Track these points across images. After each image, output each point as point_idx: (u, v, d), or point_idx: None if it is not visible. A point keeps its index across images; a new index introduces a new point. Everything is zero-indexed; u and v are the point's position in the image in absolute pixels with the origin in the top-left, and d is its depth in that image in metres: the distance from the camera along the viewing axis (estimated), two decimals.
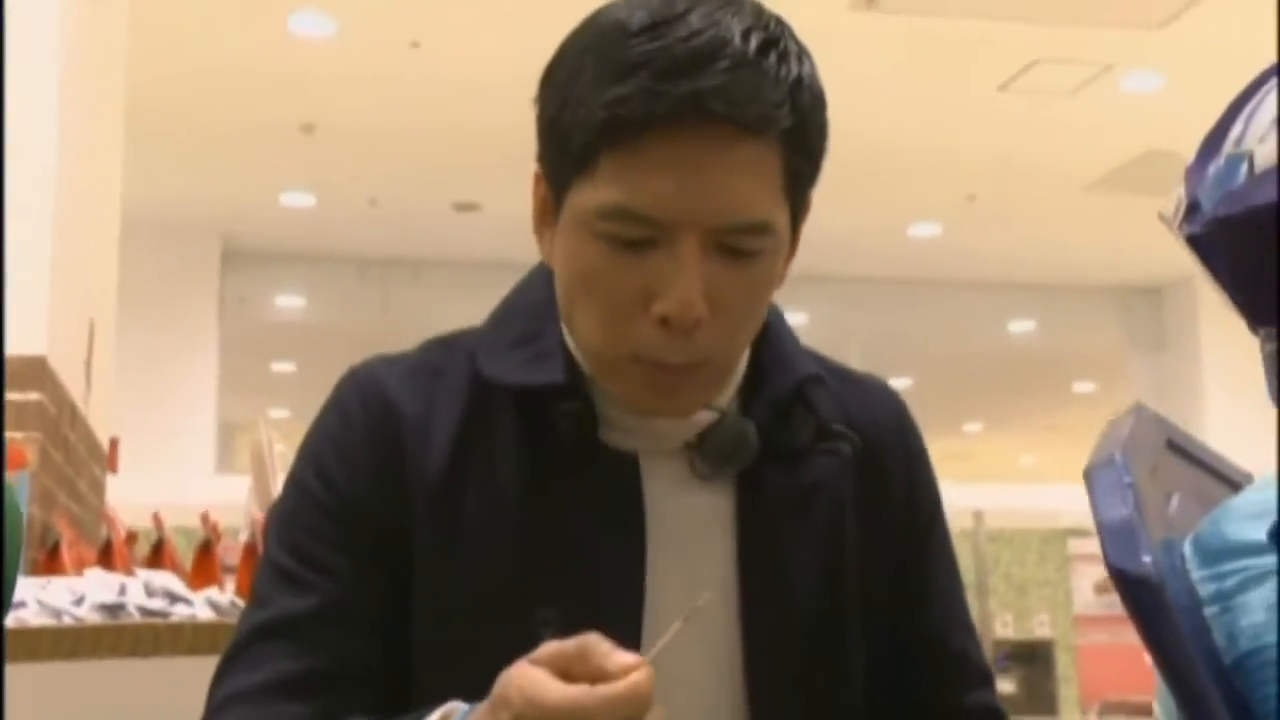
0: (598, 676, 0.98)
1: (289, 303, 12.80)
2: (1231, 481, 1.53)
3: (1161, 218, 1.35)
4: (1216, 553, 1.31)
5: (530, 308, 1.31)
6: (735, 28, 1.16)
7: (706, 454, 1.26)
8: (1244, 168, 1.24)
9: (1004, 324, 13.05)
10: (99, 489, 4.60)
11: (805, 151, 1.19)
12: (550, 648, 1.02)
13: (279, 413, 15.96)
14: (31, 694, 2.06)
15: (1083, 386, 15.38)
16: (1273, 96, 1.28)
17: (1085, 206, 10.27)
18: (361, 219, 10.80)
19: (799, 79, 1.17)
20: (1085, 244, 11.31)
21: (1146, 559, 1.24)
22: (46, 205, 3.73)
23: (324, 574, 1.24)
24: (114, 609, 2.38)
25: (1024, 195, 10.22)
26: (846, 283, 12.64)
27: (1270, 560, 1.28)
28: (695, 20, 1.15)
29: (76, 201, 4.17)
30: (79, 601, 2.39)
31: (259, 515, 3.35)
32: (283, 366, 14.20)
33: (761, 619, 1.26)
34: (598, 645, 1.00)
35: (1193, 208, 1.28)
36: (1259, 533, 1.30)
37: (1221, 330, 11.02)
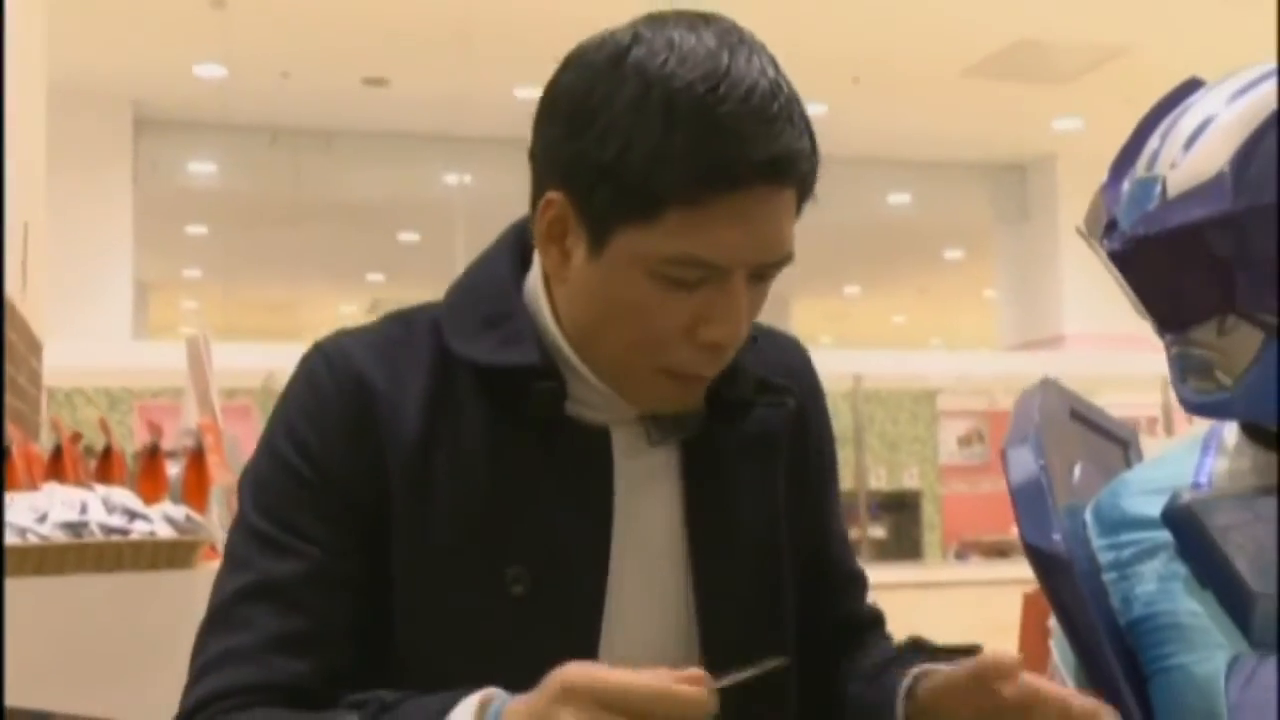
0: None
1: (202, 169, 12.49)
2: (1120, 439, 1.58)
3: (1079, 230, 1.38)
4: (1115, 525, 1.38)
5: (495, 288, 1.30)
6: (768, 73, 1.17)
7: (660, 423, 1.27)
8: (1157, 190, 1.26)
9: (883, 196, 13.15)
10: (37, 380, 4.53)
11: (807, 186, 1.21)
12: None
13: (192, 273, 15.92)
14: None
15: (952, 254, 15.66)
16: (1184, 121, 1.29)
17: (961, 90, 10.35)
18: (273, 91, 10.57)
19: (809, 123, 1.19)
20: (959, 125, 11.39)
21: (1057, 537, 1.30)
22: None
23: (303, 539, 1.23)
24: (76, 527, 2.36)
25: (905, 79, 10.27)
26: None
27: (1162, 535, 1.34)
28: (741, 71, 1.16)
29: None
30: (42, 519, 2.36)
31: (203, 421, 3.34)
32: (196, 229, 13.91)
33: (709, 560, 1.29)
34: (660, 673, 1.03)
35: (1111, 225, 1.31)
36: (1153, 509, 1.35)
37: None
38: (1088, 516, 1.42)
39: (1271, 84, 1.26)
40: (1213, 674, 1.27)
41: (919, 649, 1.33)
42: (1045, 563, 1.32)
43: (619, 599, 1.26)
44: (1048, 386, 1.48)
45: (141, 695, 1.70)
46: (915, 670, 1.23)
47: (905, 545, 12.43)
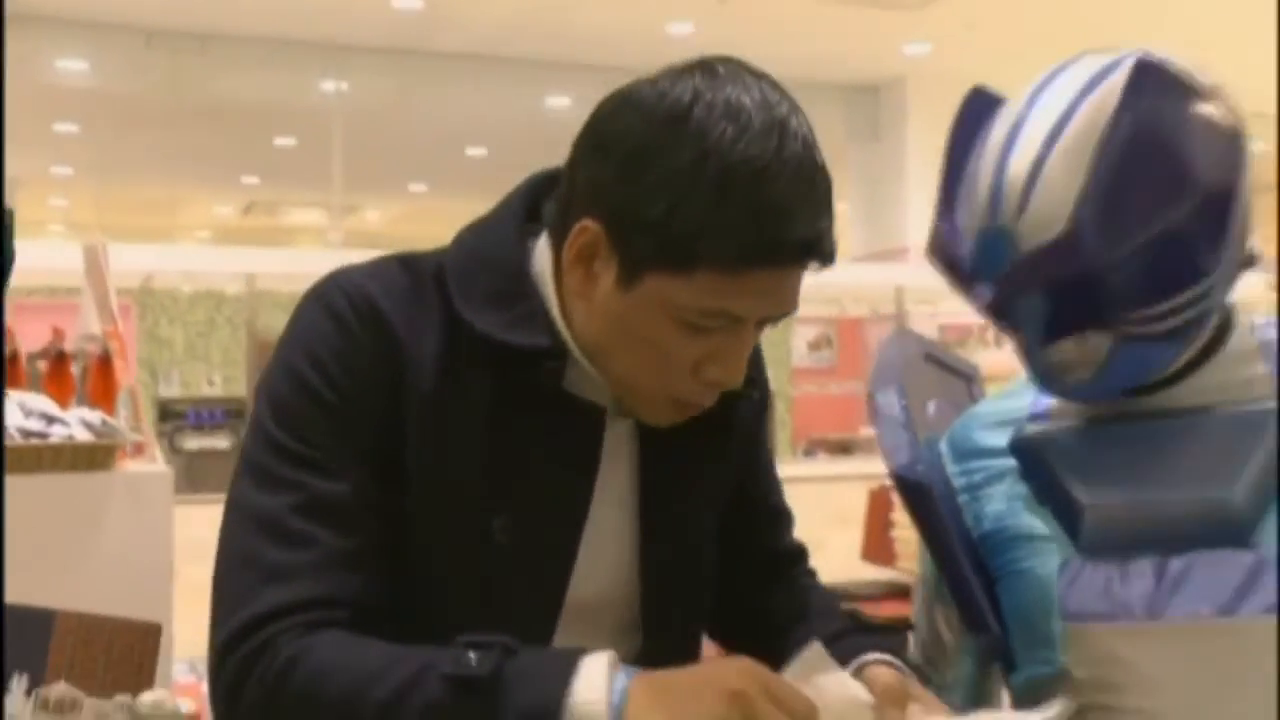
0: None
1: (72, 66, 11.90)
2: (964, 375, 1.68)
3: (927, 258, 1.40)
4: (967, 453, 1.49)
5: (503, 267, 1.31)
6: (810, 144, 1.21)
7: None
8: (1006, 245, 1.27)
9: None
10: None
11: None
12: None
13: (62, 170, 15.34)
14: None
15: None
16: (1014, 163, 1.27)
17: (818, 13, 10.42)
18: None
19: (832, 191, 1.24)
20: (817, 47, 11.42)
21: (920, 468, 1.41)
22: None
23: (344, 461, 1.23)
24: None
25: (763, 2, 10.30)
26: (609, 71, 12.90)
27: (1007, 462, 1.46)
28: (792, 148, 1.19)
29: None
30: None
31: (106, 328, 3.29)
32: (65, 127, 13.30)
33: (658, 516, 1.36)
34: None
35: (977, 275, 1.31)
36: (999, 439, 1.47)
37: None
38: (943, 447, 1.51)
39: (1084, 108, 1.26)
40: (1049, 574, 1.37)
41: (856, 624, 1.40)
42: (911, 490, 1.41)
43: (586, 552, 1.32)
44: (904, 335, 1.58)
45: (61, 591, 1.69)
46: (856, 662, 1.30)
47: None
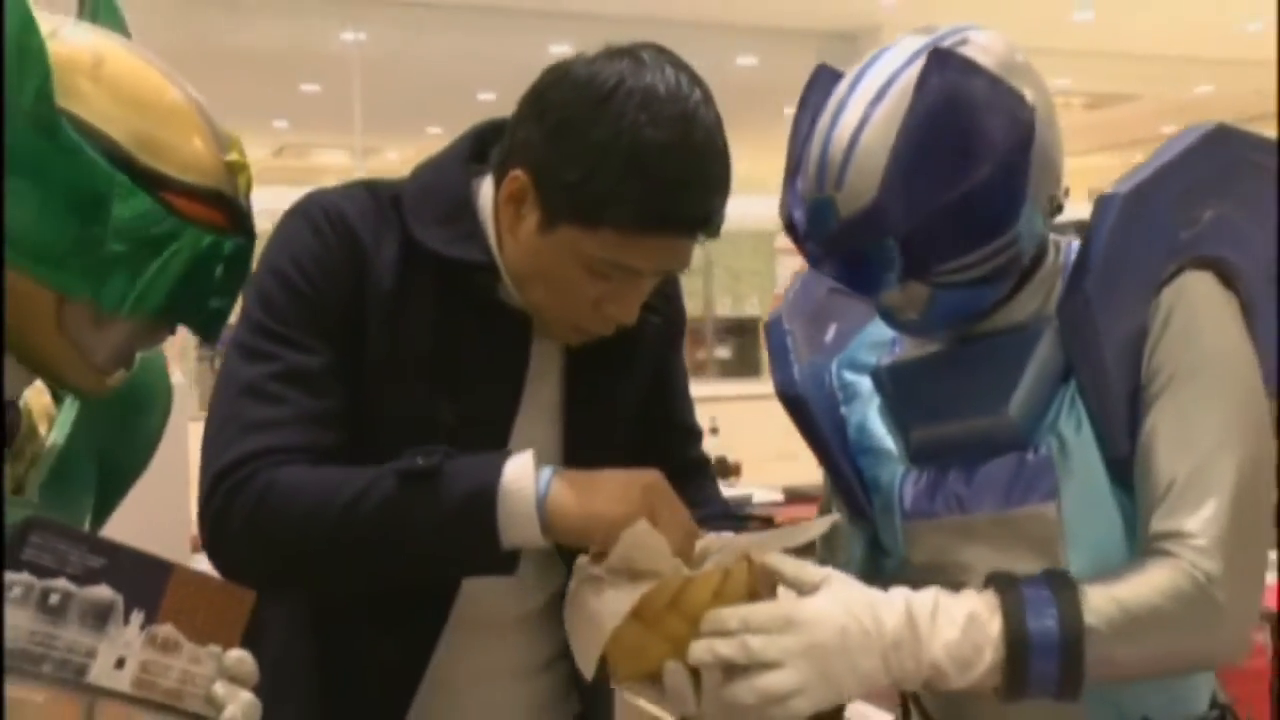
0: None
1: None
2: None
3: (780, 225, 1.48)
4: (848, 368, 1.62)
5: (449, 195, 1.43)
6: (715, 135, 1.32)
7: None
8: (830, 213, 1.35)
9: (731, 59, 13.48)
10: None
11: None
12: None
13: None
14: None
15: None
16: (836, 135, 1.35)
17: None
18: None
19: (730, 175, 1.35)
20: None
21: (796, 379, 1.53)
22: None
23: (316, 340, 1.36)
24: None
25: None
26: (606, 20, 12.64)
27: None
28: (698, 138, 1.30)
29: None
30: None
31: None
32: None
33: (578, 413, 1.50)
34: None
35: (808, 238, 1.40)
36: (873, 359, 1.60)
37: None
38: (833, 365, 1.61)
39: (894, 89, 1.34)
40: (890, 481, 1.50)
41: (728, 516, 1.58)
42: (788, 402, 1.54)
43: (518, 435, 1.44)
44: (806, 277, 1.65)
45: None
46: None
47: (746, 366, 13.21)
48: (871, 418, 1.54)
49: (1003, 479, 1.39)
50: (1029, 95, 1.36)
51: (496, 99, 14.54)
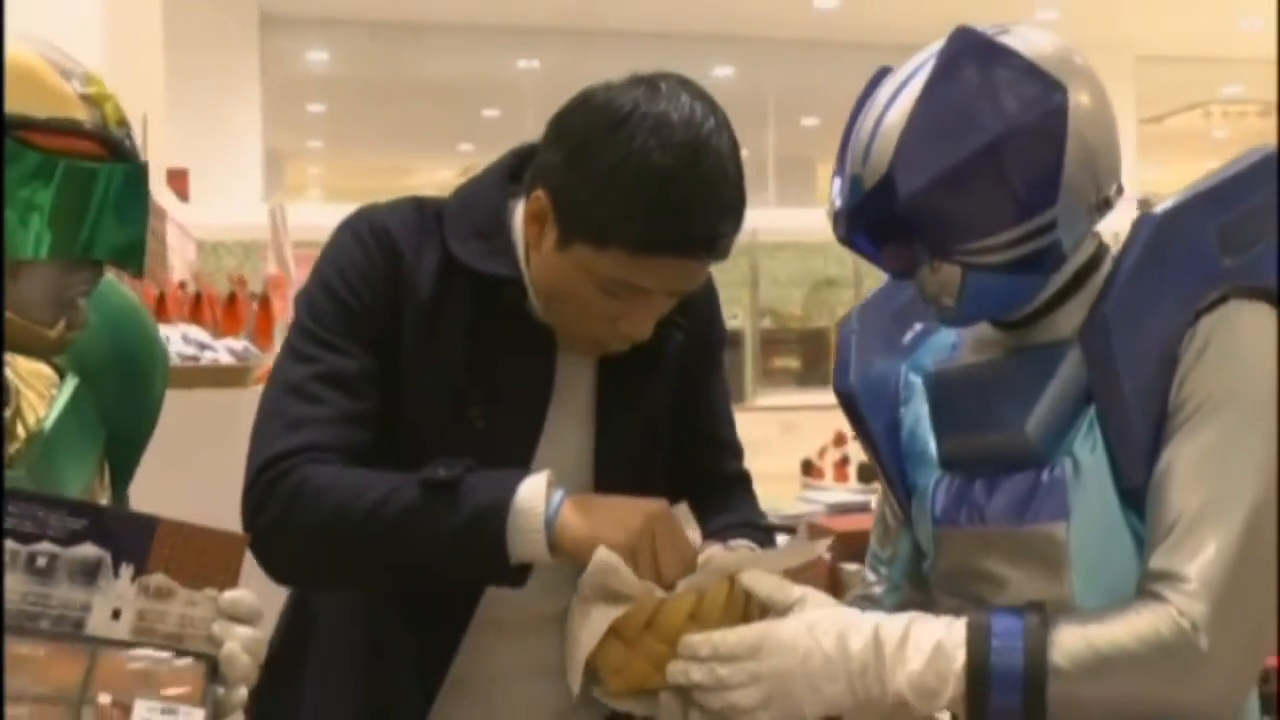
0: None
1: (317, 57, 13.02)
2: None
3: (828, 215, 1.43)
4: (913, 370, 1.54)
5: (488, 208, 1.45)
6: (728, 161, 1.32)
7: None
8: (856, 192, 1.34)
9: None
10: (161, 239, 4.97)
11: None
12: None
13: (315, 144, 16.50)
14: None
15: None
16: (864, 123, 1.34)
17: None
18: None
19: (744, 203, 1.35)
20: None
21: (850, 381, 1.51)
22: (95, 17, 3.84)
23: (354, 347, 1.40)
24: None
25: None
26: (765, 44, 12.91)
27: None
28: (707, 165, 1.31)
29: (119, 16, 4.25)
30: None
31: (277, 274, 3.75)
32: (316, 108, 14.42)
33: (608, 424, 1.49)
34: None
35: (839, 216, 1.37)
36: (930, 362, 1.53)
37: None
38: (904, 366, 1.55)
39: (920, 73, 1.31)
40: (926, 485, 1.46)
41: (749, 525, 1.56)
42: (841, 399, 1.52)
43: (549, 449, 1.45)
44: (895, 284, 1.57)
45: (204, 485, 1.94)
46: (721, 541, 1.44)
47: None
48: (922, 422, 1.49)
49: (1018, 495, 1.33)
50: (1072, 88, 1.29)
51: None
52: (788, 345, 13.26)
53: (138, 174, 1.21)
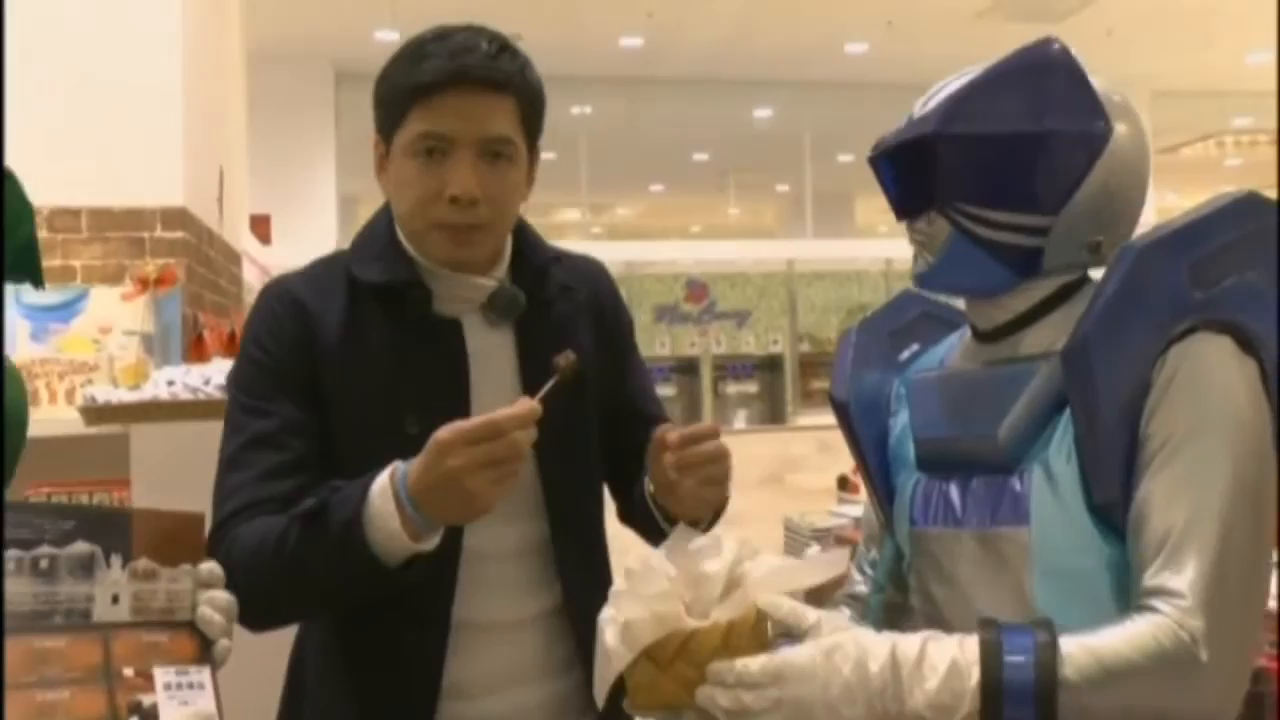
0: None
1: None
2: (956, 325, 1.63)
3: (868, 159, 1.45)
4: (904, 383, 1.56)
5: (382, 235, 1.54)
6: (482, 34, 1.46)
7: (495, 308, 1.52)
8: (904, 124, 1.40)
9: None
10: (237, 281, 5.03)
11: (531, 107, 1.48)
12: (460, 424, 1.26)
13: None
14: (172, 446, 2.45)
15: None
16: (937, 85, 1.40)
17: (970, 29, 10.68)
18: None
19: (524, 66, 1.48)
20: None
21: (840, 389, 1.53)
22: (175, 85, 3.93)
23: (275, 405, 1.46)
24: (196, 390, 2.63)
25: (928, 22, 10.62)
26: (801, 86, 12.99)
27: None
28: (454, 34, 1.46)
29: (201, 80, 4.33)
30: (207, 382, 2.66)
31: None
32: None
33: (532, 390, 1.42)
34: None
35: (884, 138, 1.41)
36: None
37: None
38: (898, 379, 1.58)
39: (996, 62, 1.37)
40: (904, 487, 1.49)
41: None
42: (834, 406, 1.56)
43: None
44: (901, 297, 1.65)
45: None
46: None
47: None
48: (906, 429, 1.51)
49: (987, 499, 1.36)
50: (1116, 128, 1.35)
51: (709, 158, 14.95)
52: (825, 368, 13.27)
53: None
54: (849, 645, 1.21)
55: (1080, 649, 1.19)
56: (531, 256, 1.59)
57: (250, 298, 6.67)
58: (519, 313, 1.54)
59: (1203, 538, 1.22)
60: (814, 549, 1.58)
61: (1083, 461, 1.29)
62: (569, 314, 1.59)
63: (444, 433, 1.27)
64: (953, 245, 1.37)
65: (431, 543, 1.33)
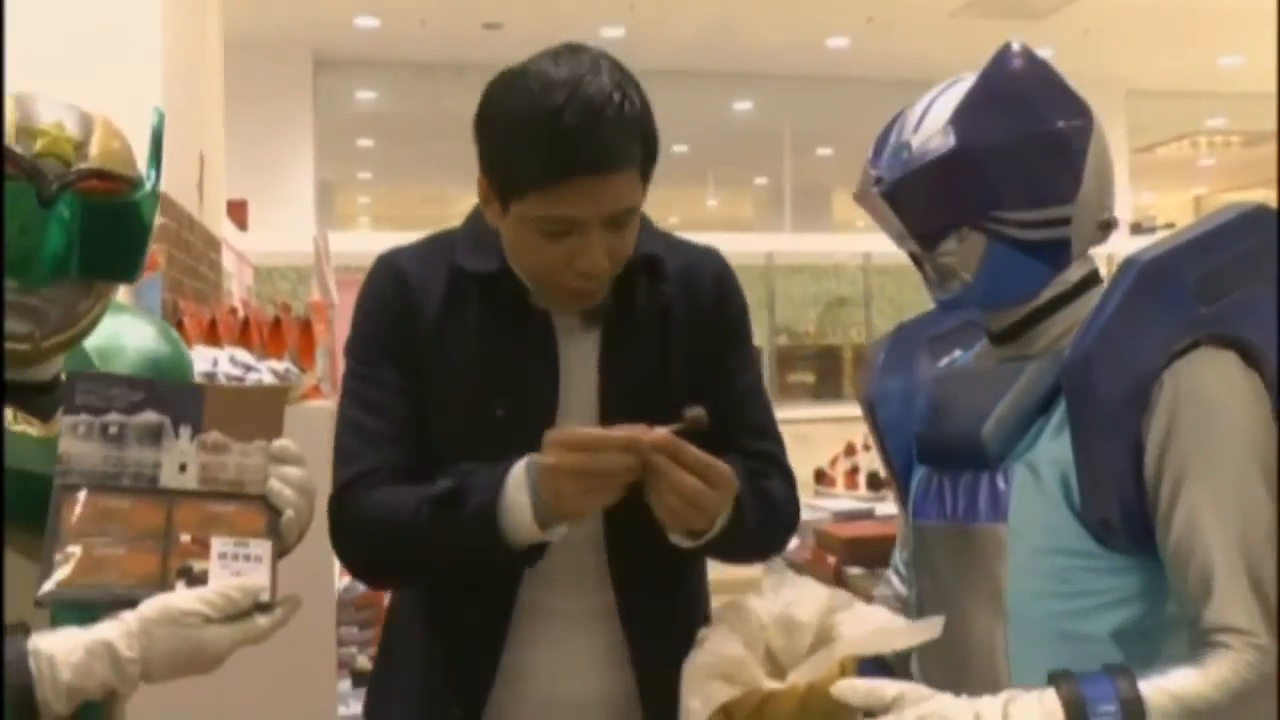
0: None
1: (366, 96, 13.14)
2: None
3: (855, 198, 1.46)
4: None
5: (490, 228, 1.50)
6: (606, 87, 1.33)
7: (585, 310, 1.51)
8: (905, 150, 1.38)
9: (897, 110, 11.28)
10: (217, 267, 5.00)
11: (648, 155, 1.40)
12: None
13: (364, 175, 16.60)
14: None
15: None
16: (911, 113, 1.40)
17: (949, 26, 10.65)
18: (415, 35, 11.22)
19: (640, 114, 1.37)
20: (948, 55, 10.69)
21: (872, 390, 1.56)
22: (155, 71, 3.93)
23: (383, 371, 1.52)
24: (210, 375, 2.62)
25: (906, 19, 10.62)
26: (781, 80, 12.92)
27: None
28: (581, 93, 1.32)
29: (181, 66, 4.33)
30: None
31: (318, 299, 3.74)
32: (365, 142, 14.57)
33: (612, 396, 1.51)
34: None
35: (879, 179, 1.40)
36: None
37: None
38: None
39: (958, 87, 1.39)
40: (913, 483, 1.50)
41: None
42: (864, 407, 1.59)
43: (563, 422, 1.48)
44: (930, 311, 1.61)
45: None
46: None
47: None
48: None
49: (971, 493, 1.37)
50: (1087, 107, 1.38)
51: (689, 151, 14.24)
52: (803, 361, 13.34)
53: (78, 203, 1.26)
54: (934, 712, 1.20)
55: (1160, 694, 1.19)
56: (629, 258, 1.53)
57: (230, 284, 6.61)
58: (606, 312, 1.54)
59: (1251, 569, 1.24)
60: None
61: (1078, 475, 1.30)
62: (656, 315, 1.56)
63: (553, 430, 1.35)
64: (992, 255, 1.37)
65: (557, 534, 1.39)
